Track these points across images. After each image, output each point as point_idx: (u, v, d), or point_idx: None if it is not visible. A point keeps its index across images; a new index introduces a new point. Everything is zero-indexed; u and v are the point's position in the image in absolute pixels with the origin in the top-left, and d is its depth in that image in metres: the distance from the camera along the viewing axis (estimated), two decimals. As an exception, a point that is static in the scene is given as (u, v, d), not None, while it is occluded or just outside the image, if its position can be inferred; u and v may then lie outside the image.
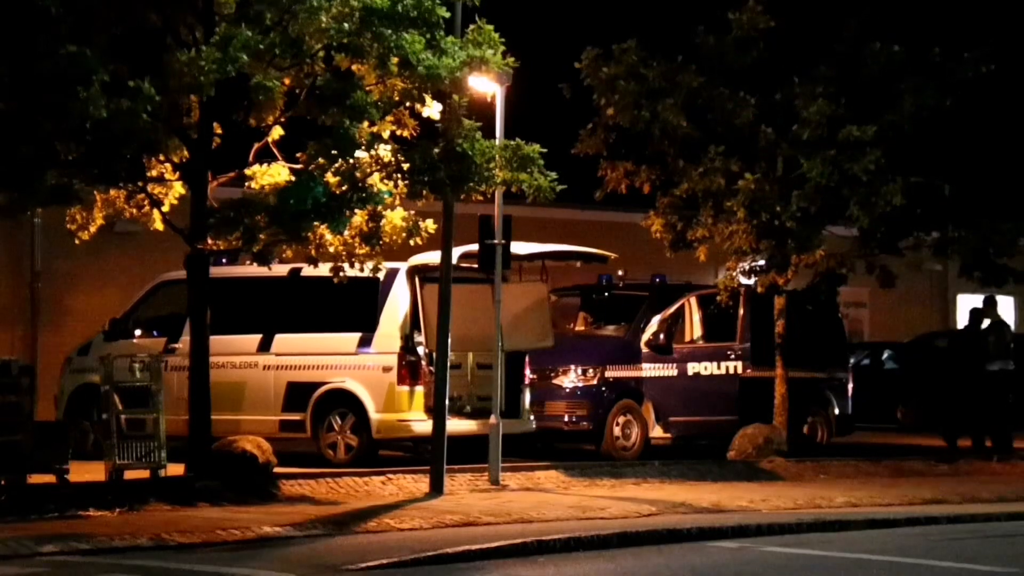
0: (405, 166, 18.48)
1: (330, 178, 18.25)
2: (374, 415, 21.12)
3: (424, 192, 18.61)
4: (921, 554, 15.60)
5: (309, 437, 21.57)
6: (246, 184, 19.13)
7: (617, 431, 23.33)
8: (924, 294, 35.36)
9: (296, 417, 21.54)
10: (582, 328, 24.66)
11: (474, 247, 20.27)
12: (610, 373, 23.43)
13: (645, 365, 23.71)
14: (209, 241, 18.52)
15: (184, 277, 19.35)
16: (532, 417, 22.41)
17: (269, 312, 22.12)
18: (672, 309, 24.10)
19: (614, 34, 24.23)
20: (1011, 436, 25.63)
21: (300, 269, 21.11)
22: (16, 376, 17.91)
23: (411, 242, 19.10)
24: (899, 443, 26.87)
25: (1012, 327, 27.35)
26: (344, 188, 18.22)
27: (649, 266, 26.03)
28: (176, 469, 18.59)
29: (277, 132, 18.86)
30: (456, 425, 20.44)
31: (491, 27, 18.49)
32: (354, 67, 18.08)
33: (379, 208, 18.62)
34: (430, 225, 19.06)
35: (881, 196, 22.80)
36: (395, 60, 17.78)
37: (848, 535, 17.21)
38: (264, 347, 21.90)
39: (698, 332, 24.23)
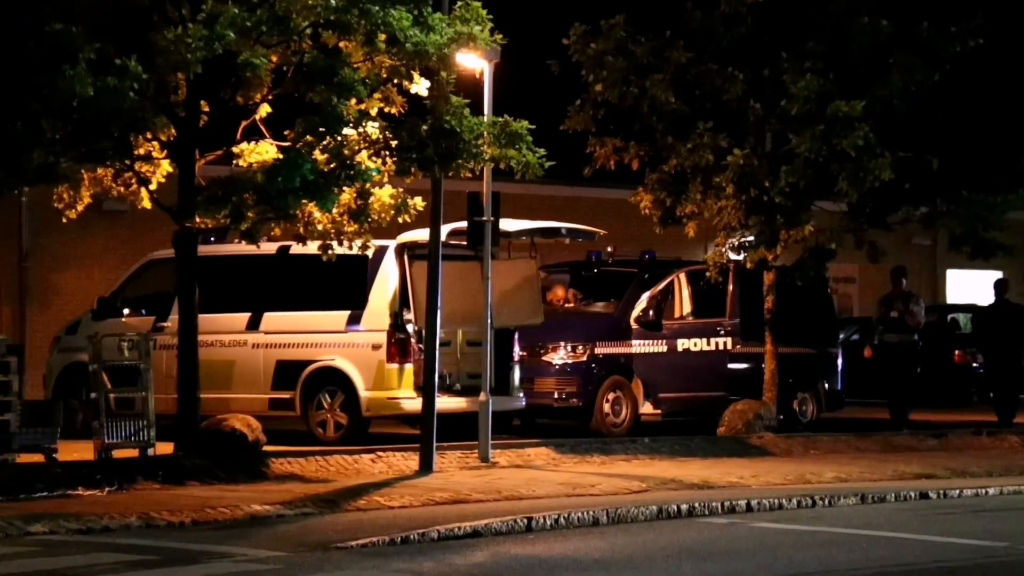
0: (393, 143, 18.44)
1: (318, 156, 18.20)
2: (363, 393, 21.11)
3: (412, 169, 18.58)
4: (911, 529, 15.62)
5: (298, 415, 21.56)
6: (234, 162, 19.07)
7: (607, 408, 23.33)
8: (913, 269, 35.34)
9: (285, 395, 21.53)
10: (571, 305, 24.64)
11: (463, 224, 20.23)
12: (600, 350, 23.42)
13: (635, 341, 23.70)
14: (197, 219, 18.48)
15: (172, 255, 19.31)
16: (522, 394, 22.41)
17: (258, 290, 22.09)
18: (661, 285, 24.09)
19: (602, 10, 24.18)
20: (1015, 410, 25.88)
21: (288, 247, 21.07)
22: (4, 355, 17.87)
23: (400, 219, 19.05)
24: (889, 418, 26.87)
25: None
26: (332, 166, 18.17)
27: (638, 242, 26.03)
28: (165, 448, 18.57)
29: (264, 110, 18.81)
30: (446, 403, 20.42)
31: (479, 3, 18.43)
32: (341, 44, 18.02)
33: (367, 185, 18.57)
34: (419, 202, 19.02)
35: (870, 171, 22.77)
36: (382, 37, 17.73)
37: (838, 510, 17.24)
38: (253, 325, 21.88)
39: (688, 308, 24.22)
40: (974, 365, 30.12)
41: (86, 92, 16.65)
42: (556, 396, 23.29)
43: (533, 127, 18.74)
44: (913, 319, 25.00)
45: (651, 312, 23.84)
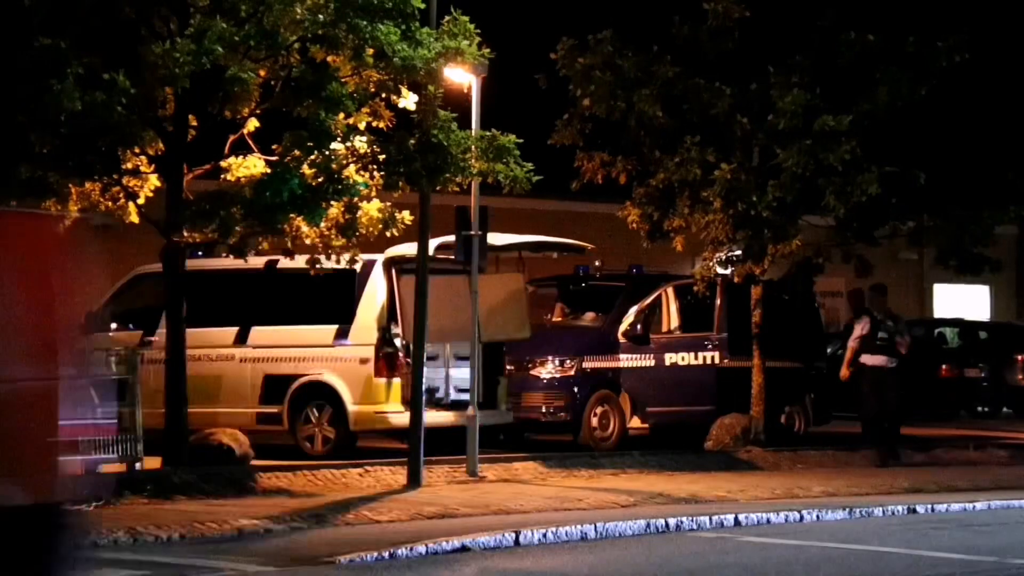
0: (381, 157, 18.46)
1: (306, 170, 18.21)
2: (351, 407, 21.11)
3: (400, 183, 18.60)
4: (899, 543, 15.62)
5: (286, 430, 21.55)
6: (222, 176, 19.07)
7: (595, 422, 23.34)
8: (900, 283, 35.45)
9: (273, 410, 21.52)
10: (559, 319, 24.66)
11: (451, 238, 20.24)
12: (587, 364, 23.43)
13: (622, 356, 23.72)
14: (185, 234, 18.48)
15: (160, 270, 19.31)
16: (509, 408, 22.41)
17: (246, 305, 22.09)
18: (649, 300, 24.12)
19: (590, 24, 24.22)
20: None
21: (276, 261, 21.06)
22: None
23: (387, 233, 19.06)
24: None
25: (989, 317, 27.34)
26: (320, 180, 18.18)
27: (626, 257, 26.06)
28: (153, 462, 18.54)
29: (252, 124, 18.82)
30: (433, 417, 20.43)
31: (466, 18, 18.48)
32: (329, 58, 18.05)
33: (355, 200, 18.58)
34: (406, 216, 19.04)
35: (856, 185, 22.82)
36: (370, 51, 17.76)
37: (826, 525, 17.24)
38: (241, 340, 21.86)
39: (675, 322, 24.25)
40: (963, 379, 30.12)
41: (74, 106, 16.66)
42: (544, 410, 23.30)
43: (521, 141, 18.76)
44: (905, 345, 23.33)
45: (639, 326, 23.86)
